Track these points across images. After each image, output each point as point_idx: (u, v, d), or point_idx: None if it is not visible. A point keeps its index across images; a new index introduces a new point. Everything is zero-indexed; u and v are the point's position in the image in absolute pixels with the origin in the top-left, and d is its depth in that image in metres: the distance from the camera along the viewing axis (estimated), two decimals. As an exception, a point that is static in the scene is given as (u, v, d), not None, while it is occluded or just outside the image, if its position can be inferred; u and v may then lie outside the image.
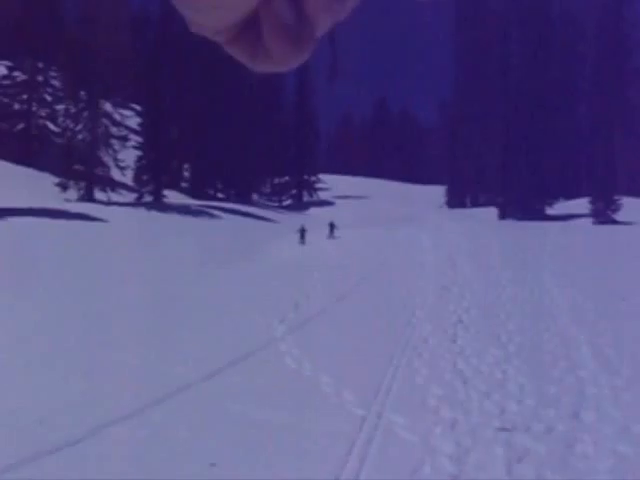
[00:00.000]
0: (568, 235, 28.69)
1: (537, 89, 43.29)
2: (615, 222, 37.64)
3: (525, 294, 14.44)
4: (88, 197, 32.05)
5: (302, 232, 27.16)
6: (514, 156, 43.68)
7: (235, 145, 44.72)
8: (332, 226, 28.97)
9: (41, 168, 33.85)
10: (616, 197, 39.66)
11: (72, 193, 31.80)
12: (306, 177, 57.12)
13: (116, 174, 34.21)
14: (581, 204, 41.57)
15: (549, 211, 43.74)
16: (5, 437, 5.59)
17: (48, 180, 31.98)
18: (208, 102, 42.93)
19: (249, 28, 0.38)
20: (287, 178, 55.80)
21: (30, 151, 36.08)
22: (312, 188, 57.46)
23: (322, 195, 56.95)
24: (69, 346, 9.22)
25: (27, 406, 6.47)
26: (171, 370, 7.98)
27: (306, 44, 0.37)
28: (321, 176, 58.31)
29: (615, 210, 39.33)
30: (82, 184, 32.42)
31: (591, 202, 40.34)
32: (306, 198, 56.46)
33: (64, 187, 31.70)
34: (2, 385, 7.28)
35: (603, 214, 39.17)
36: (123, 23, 34.87)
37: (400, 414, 6.43)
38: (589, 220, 38.86)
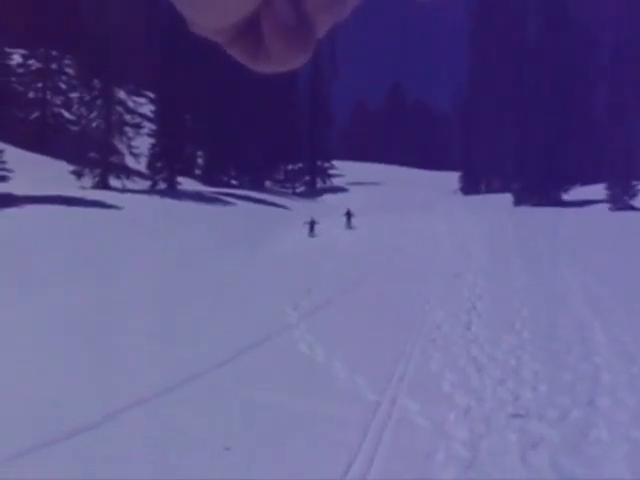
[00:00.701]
0: (584, 221, 28.38)
1: (553, 75, 42.65)
2: (632, 208, 37.15)
3: (540, 281, 14.34)
4: (103, 184, 32.25)
5: (311, 225, 25.21)
6: (529, 142, 43.16)
7: (248, 132, 44.65)
8: (349, 215, 26.46)
9: (56, 156, 34.08)
10: (634, 183, 39.12)
11: (87, 180, 32.03)
12: (319, 164, 56.94)
13: (130, 161, 34.36)
14: (598, 190, 41.04)
15: (565, 197, 43.26)
16: (19, 421, 5.68)
17: (63, 168, 32.21)
18: (221, 89, 42.85)
19: (249, 29, 0.38)
20: (300, 165, 55.64)
21: (45, 139, 36.34)
22: (325, 175, 57.29)
23: (335, 182, 56.77)
24: (82, 332, 9.32)
25: (41, 390, 6.57)
26: (185, 356, 8.06)
27: (307, 45, 0.37)
28: (334, 162, 58.08)
29: (633, 196, 38.79)
30: (97, 171, 32.62)
31: (608, 188, 39.78)
32: (319, 185, 56.33)
33: (79, 175, 31.92)
34: (17, 369, 7.39)
35: (620, 200, 38.64)
36: (137, 10, 34.83)
37: (414, 400, 6.44)
38: (606, 206, 38.38)
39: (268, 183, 50.14)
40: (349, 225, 26.11)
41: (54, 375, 7.13)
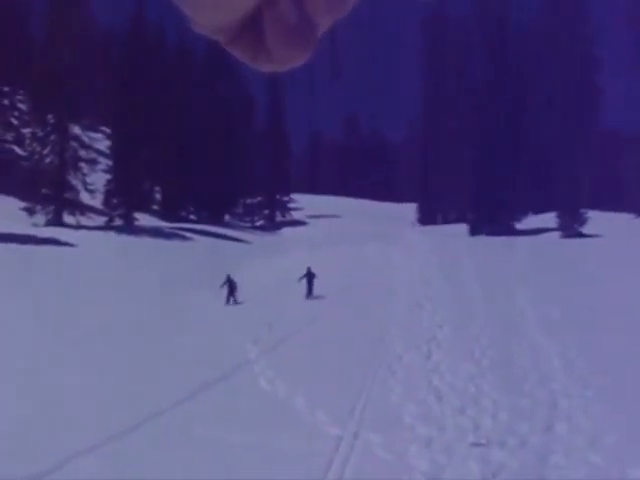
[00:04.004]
0: (537, 249, 29.17)
1: (504, 107, 44.25)
2: (582, 235, 38.44)
3: (496, 308, 14.60)
4: (56, 221, 31.49)
5: (230, 287, 17.76)
6: (483, 173, 44.43)
7: (206, 166, 44.55)
8: (310, 277, 18.31)
9: (7, 192, 33.21)
10: (582, 211, 40.57)
11: (40, 217, 31.23)
12: (278, 197, 57.13)
13: (85, 198, 33.74)
14: (549, 218, 42.40)
15: (518, 226, 44.48)
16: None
17: (14, 205, 31.39)
18: (178, 124, 42.79)
19: (250, 28, 0.39)
20: (259, 198, 55.71)
21: (-5, 176, 35.41)
22: (284, 208, 57.47)
23: (295, 215, 56.97)
24: (37, 373, 8.98)
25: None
26: (143, 395, 7.83)
27: (308, 44, 0.38)
28: (293, 196, 58.38)
29: (582, 223, 40.19)
30: (50, 208, 31.87)
31: (558, 216, 41.17)
32: (279, 218, 56.40)
33: (31, 212, 31.13)
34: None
35: (570, 228, 39.97)
36: (91, 46, 34.71)
37: (376, 433, 6.41)
38: (557, 234, 39.63)
39: (227, 217, 49.92)
40: (310, 292, 18.25)
41: (7, 418, 6.83)
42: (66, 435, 6.31)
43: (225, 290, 17.72)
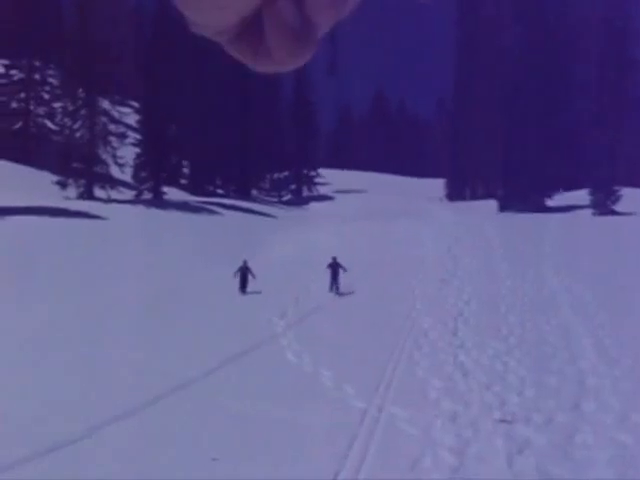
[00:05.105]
0: (568, 227, 28.64)
1: (536, 81, 43.14)
2: (615, 213, 37.55)
3: (525, 286, 14.44)
4: (87, 195, 32.00)
5: (243, 273, 15.34)
6: (513, 148, 43.58)
7: (234, 141, 44.61)
8: (336, 267, 15.48)
9: (40, 167, 33.79)
10: (616, 188, 39.55)
11: (71, 191, 31.77)
12: (305, 172, 57.00)
13: (115, 171, 34.14)
14: (581, 195, 41.48)
15: (549, 203, 43.64)
16: (1, 436, 5.59)
17: (47, 178, 31.94)
18: (207, 98, 42.82)
19: (250, 29, 0.39)
20: (286, 173, 55.69)
21: (28, 150, 36.01)
22: (311, 183, 57.35)
23: (322, 190, 56.82)
24: (68, 344, 9.23)
25: (24, 405, 6.48)
26: (172, 366, 8.00)
27: (308, 44, 0.38)
28: (320, 171, 58.17)
29: (615, 201, 39.20)
30: (81, 182, 32.37)
31: (591, 193, 40.20)
32: (306, 193, 56.36)
33: (63, 185, 31.67)
34: (0, 383, 7.28)
35: (603, 205, 39.04)
36: (121, 20, 34.77)
37: (401, 407, 6.45)
38: (589, 211, 38.78)
39: (254, 192, 50.06)
40: (336, 286, 14.96)
41: (40, 387, 7.05)
42: (98, 403, 6.49)
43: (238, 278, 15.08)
